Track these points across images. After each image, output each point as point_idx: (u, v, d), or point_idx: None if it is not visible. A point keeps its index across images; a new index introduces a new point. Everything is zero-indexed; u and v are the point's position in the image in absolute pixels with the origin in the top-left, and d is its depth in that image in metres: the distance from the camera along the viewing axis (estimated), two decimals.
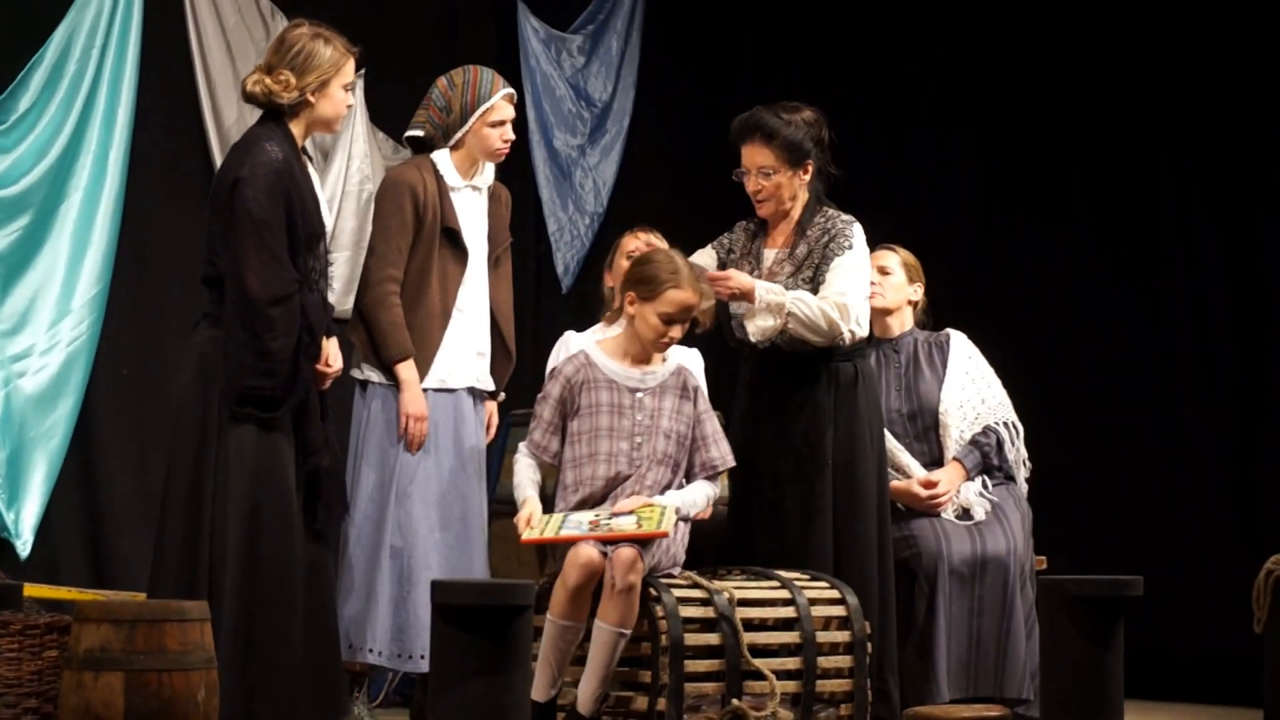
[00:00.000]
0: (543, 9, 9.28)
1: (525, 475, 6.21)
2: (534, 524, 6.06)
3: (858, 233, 6.50)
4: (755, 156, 6.46)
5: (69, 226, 7.57)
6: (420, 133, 6.64)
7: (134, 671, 4.99)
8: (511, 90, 6.71)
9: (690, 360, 6.85)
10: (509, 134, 6.65)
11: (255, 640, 5.86)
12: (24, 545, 7.34)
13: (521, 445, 6.29)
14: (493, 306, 6.69)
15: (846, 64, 9.74)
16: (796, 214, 6.52)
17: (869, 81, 9.69)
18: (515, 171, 9.19)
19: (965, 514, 6.98)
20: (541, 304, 9.26)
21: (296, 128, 6.07)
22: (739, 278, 6.36)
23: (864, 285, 6.50)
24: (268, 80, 6.03)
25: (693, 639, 5.96)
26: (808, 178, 6.51)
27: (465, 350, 6.60)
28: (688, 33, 9.82)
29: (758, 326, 6.39)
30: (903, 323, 7.27)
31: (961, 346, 7.27)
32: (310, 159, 6.28)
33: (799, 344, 6.41)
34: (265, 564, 5.90)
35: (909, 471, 6.98)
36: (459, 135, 6.61)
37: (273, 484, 5.93)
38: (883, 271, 7.20)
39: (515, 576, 7.00)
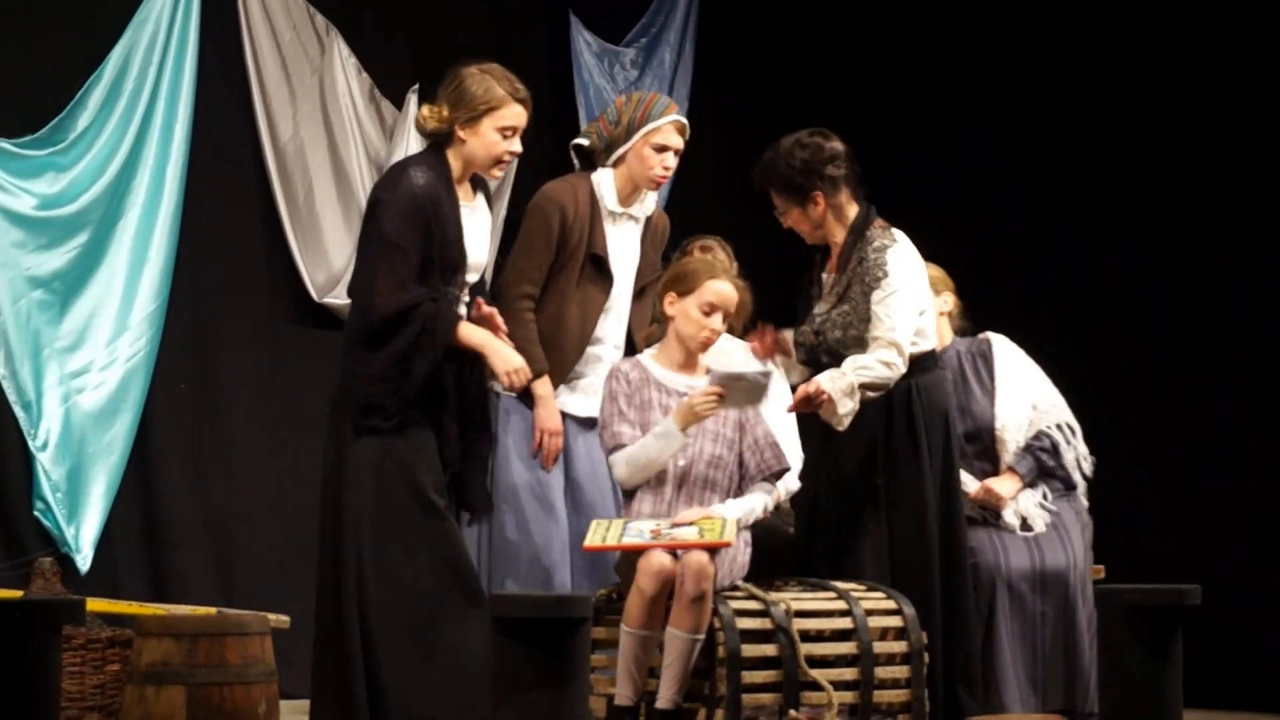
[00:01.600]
0: (595, 22, 9.30)
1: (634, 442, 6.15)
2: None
3: (892, 257, 6.34)
4: (773, 199, 6.47)
5: (127, 243, 7.62)
6: (585, 142, 6.52)
7: (195, 685, 5.02)
8: (684, 121, 6.53)
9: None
10: (669, 162, 6.47)
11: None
12: (84, 560, 7.38)
13: (612, 457, 6.18)
14: (630, 336, 6.57)
15: (899, 74, 9.73)
16: (839, 241, 6.46)
17: (922, 90, 9.68)
18: None
19: (1025, 524, 6.96)
20: None
21: (454, 161, 6.03)
22: (802, 392, 6.23)
23: (909, 310, 6.34)
24: (424, 109, 6.07)
25: (750, 650, 5.96)
26: (821, 208, 6.43)
27: (596, 381, 6.47)
28: (740, 44, 9.82)
29: (841, 416, 6.24)
30: (941, 338, 7.03)
31: (1005, 353, 7.17)
32: (484, 191, 6.20)
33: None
34: (386, 574, 5.89)
35: (964, 488, 6.95)
36: (620, 151, 6.46)
37: (398, 494, 5.92)
38: None
39: None
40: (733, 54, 9.80)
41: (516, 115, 6.03)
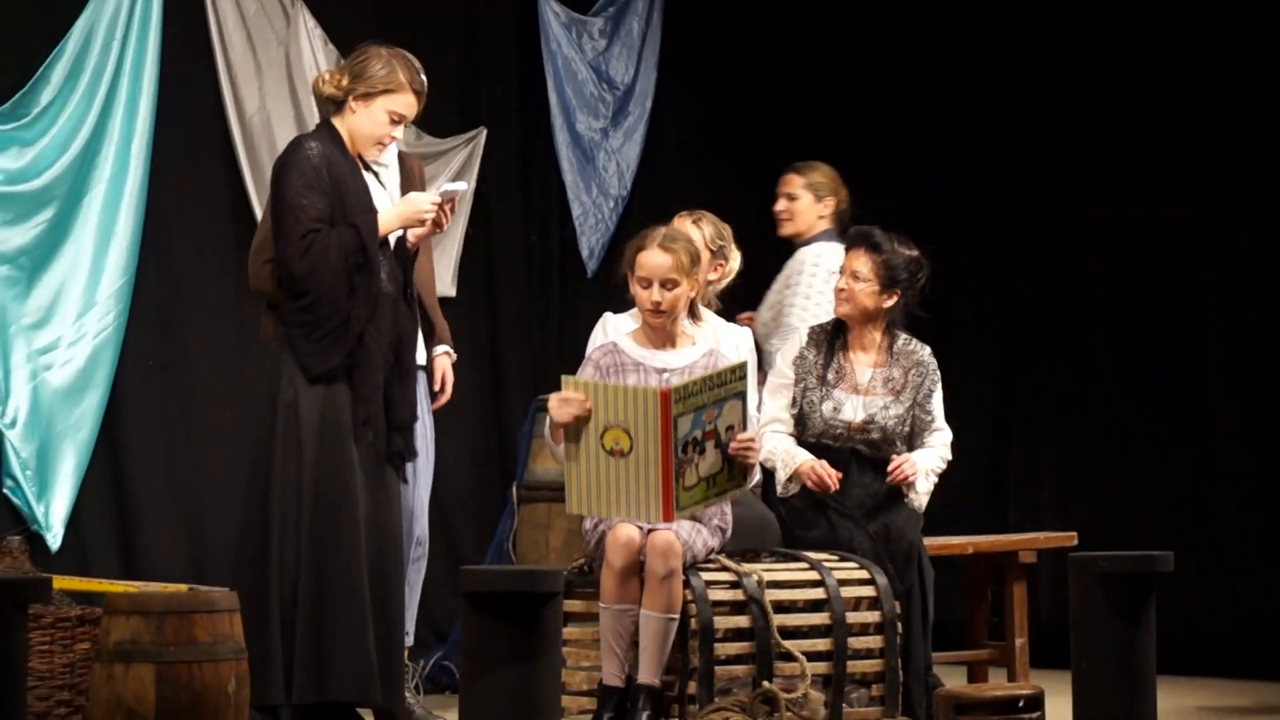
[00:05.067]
0: None
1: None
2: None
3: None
4: (854, 261, 6.60)
5: (93, 219, 7.59)
6: None
7: (164, 663, 5.00)
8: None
9: (742, 339, 6.82)
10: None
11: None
12: (54, 538, 7.36)
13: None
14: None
15: (870, 44, 9.70)
16: (879, 335, 6.64)
17: (891, 60, 9.65)
18: (539, 156, 9.19)
19: None
20: (567, 288, 9.25)
21: (343, 130, 6.18)
22: (906, 470, 6.51)
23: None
24: (325, 74, 6.25)
25: (722, 622, 5.95)
26: (891, 304, 6.60)
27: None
28: (709, 13, 9.79)
29: (922, 495, 6.59)
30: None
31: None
32: (371, 169, 6.29)
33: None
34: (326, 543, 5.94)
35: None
36: None
37: (341, 452, 6.00)
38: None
39: (543, 564, 7.00)
40: (701, 23, 9.76)
41: (408, 104, 6.21)
